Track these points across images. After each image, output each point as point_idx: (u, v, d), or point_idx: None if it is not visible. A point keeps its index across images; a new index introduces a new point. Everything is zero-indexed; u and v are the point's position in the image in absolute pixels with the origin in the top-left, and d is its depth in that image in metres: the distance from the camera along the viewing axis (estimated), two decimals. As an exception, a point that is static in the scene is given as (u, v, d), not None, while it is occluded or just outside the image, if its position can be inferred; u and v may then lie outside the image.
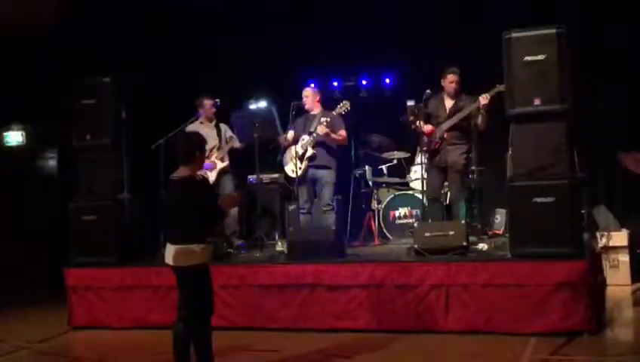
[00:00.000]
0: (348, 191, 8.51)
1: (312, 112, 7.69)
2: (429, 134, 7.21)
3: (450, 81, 7.23)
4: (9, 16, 8.96)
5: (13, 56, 9.82)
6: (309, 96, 7.69)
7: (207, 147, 7.03)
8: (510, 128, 6.18)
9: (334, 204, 7.58)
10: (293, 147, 7.58)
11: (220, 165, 7.78)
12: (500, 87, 6.60)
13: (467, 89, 7.25)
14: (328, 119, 7.42)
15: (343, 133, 7.55)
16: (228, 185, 7.78)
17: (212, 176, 7.58)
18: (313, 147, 7.48)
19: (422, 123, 7.11)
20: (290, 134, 7.61)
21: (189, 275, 4.87)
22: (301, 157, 7.49)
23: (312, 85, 8.31)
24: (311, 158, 7.50)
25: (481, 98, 6.95)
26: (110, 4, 9.32)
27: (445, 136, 7.19)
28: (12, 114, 10.48)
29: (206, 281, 4.95)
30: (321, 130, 7.38)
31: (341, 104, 7.45)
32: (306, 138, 7.52)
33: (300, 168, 7.41)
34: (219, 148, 7.84)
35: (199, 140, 5.11)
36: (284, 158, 7.74)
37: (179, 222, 4.91)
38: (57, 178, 10.34)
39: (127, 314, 6.86)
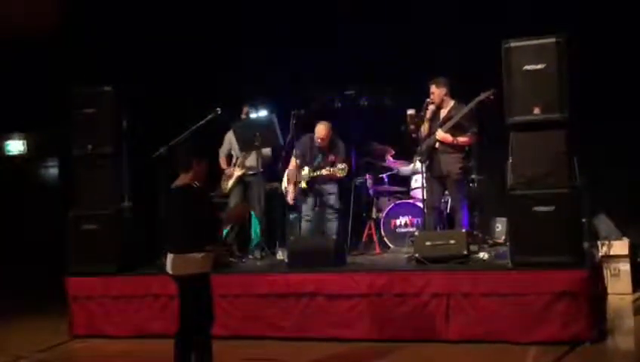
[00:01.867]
0: (349, 199, 8.50)
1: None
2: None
3: (430, 91, 7.25)
4: (10, 21, 9.00)
5: (15, 66, 9.85)
6: (324, 134, 7.54)
7: (234, 154, 7.81)
8: (510, 137, 6.19)
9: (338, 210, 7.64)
10: (290, 171, 7.71)
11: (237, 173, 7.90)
12: (483, 96, 6.69)
13: (465, 97, 7.24)
14: (330, 171, 7.41)
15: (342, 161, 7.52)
16: (255, 191, 7.73)
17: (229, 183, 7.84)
18: (307, 182, 7.58)
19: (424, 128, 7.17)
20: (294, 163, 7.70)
21: (189, 284, 4.88)
22: (295, 183, 7.64)
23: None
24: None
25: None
26: (111, 12, 9.36)
27: (437, 145, 7.19)
28: (13, 123, 10.50)
29: (206, 290, 4.95)
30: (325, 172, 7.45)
31: (342, 166, 7.35)
32: (306, 170, 7.57)
33: (291, 192, 7.66)
34: (241, 165, 7.89)
35: (199, 149, 5.11)
36: (283, 181, 7.86)
37: (177, 230, 4.92)
38: (58, 187, 10.34)
39: (128, 324, 6.84)
